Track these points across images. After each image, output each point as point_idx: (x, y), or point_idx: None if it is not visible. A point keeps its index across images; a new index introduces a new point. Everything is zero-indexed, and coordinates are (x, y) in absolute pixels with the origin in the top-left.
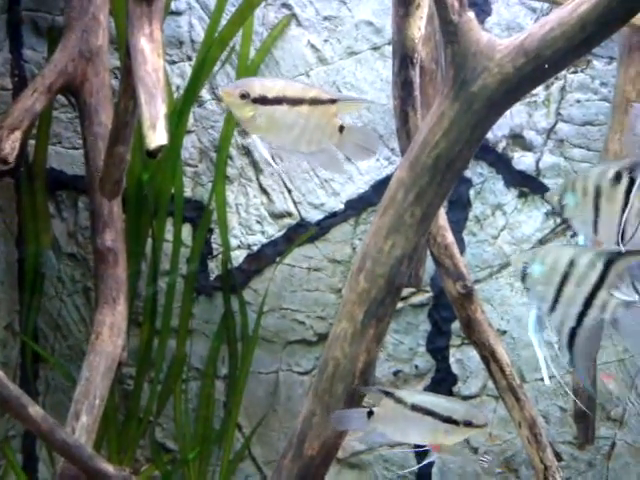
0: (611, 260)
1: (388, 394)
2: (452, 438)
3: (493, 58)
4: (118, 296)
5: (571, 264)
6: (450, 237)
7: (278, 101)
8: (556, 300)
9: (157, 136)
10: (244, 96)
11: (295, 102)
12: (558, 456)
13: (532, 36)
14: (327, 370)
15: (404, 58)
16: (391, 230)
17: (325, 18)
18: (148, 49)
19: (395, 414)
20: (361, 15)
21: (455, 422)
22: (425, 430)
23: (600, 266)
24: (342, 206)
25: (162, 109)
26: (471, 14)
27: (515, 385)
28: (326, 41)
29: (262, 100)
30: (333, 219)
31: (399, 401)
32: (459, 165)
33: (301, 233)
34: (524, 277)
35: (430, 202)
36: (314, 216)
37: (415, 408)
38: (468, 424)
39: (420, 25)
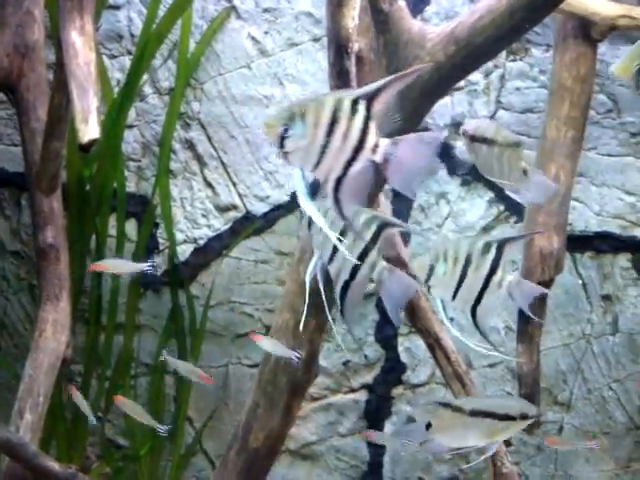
0: (383, 225)
1: (445, 405)
2: (509, 433)
3: (425, 47)
4: (61, 293)
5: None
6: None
7: None
8: (334, 252)
9: (89, 129)
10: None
11: (489, 142)
12: (507, 441)
13: (462, 24)
14: (270, 362)
15: (339, 48)
16: None
17: (265, 10)
18: (79, 42)
19: (454, 422)
20: (301, 6)
21: (512, 418)
22: (483, 432)
23: (374, 228)
24: (287, 198)
25: (94, 102)
26: (402, 3)
27: (461, 372)
28: (266, 33)
29: None
30: (279, 211)
31: (457, 410)
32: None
33: (247, 226)
34: (309, 226)
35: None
36: (260, 209)
37: (474, 413)
38: (524, 417)
39: (354, 15)
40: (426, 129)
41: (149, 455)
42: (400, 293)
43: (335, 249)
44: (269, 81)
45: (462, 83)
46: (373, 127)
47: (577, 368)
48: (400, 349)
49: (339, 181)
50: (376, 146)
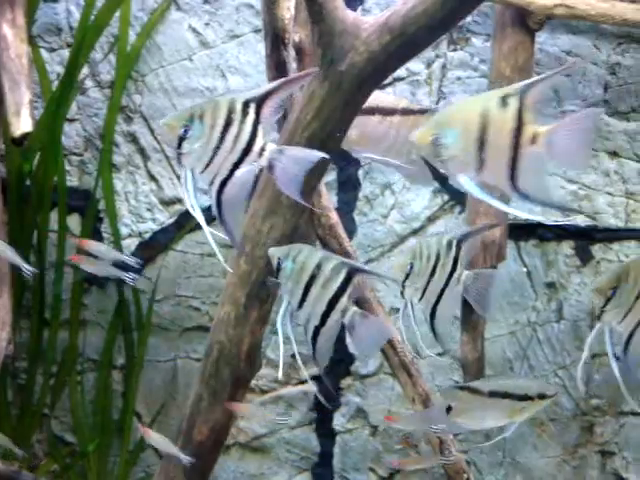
0: (352, 271)
1: (464, 388)
2: (527, 413)
3: (359, 36)
4: (1, 289)
5: (318, 267)
6: (335, 217)
7: (371, 111)
8: (303, 298)
9: (22, 123)
10: None
11: (387, 112)
12: None
13: (396, 13)
14: (212, 354)
15: (275, 39)
16: (268, 212)
17: (205, 1)
18: (10, 35)
19: (473, 405)
20: None
21: (530, 398)
22: (502, 412)
23: (343, 275)
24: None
25: (27, 96)
26: None
27: (407, 361)
28: (207, 25)
29: None
30: None
31: (476, 392)
32: (332, 144)
33: (192, 219)
34: (278, 271)
35: (306, 183)
36: (204, 201)
37: (493, 394)
38: (542, 397)
39: (289, 5)
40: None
41: (97, 451)
42: (372, 339)
43: (305, 295)
44: (211, 73)
45: (404, 73)
46: (261, 131)
47: (523, 355)
48: (348, 340)
49: (223, 184)
50: (262, 150)
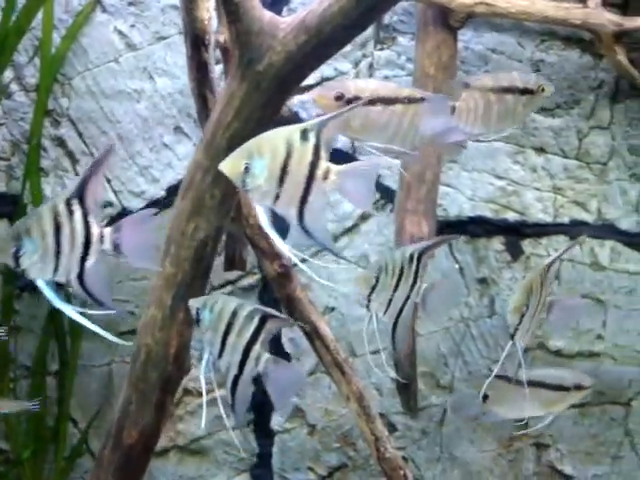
0: (265, 317)
1: (500, 377)
2: (564, 404)
3: (277, 36)
4: None
5: (234, 315)
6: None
7: (372, 101)
8: (222, 347)
9: None
10: (339, 98)
11: (389, 101)
12: (392, 426)
13: (312, 13)
14: (140, 357)
15: (196, 40)
16: (192, 213)
17: (130, 3)
18: None
19: (509, 393)
20: None
21: (566, 389)
22: (539, 402)
23: (256, 322)
24: (163, 193)
25: None
26: None
27: (340, 360)
28: (133, 26)
29: (357, 101)
30: (155, 205)
31: (508, 379)
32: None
33: None
34: (198, 322)
35: (229, 183)
36: (136, 204)
37: (529, 383)
38: (578, 387)
39: (208, 6)
40: (297, 118)
41: (32, 458)
42: (287, 385)
43: (224, 344)
44: (138, 75)
45: (332, 73)
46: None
47: (457, 351)
48: (284, 339)
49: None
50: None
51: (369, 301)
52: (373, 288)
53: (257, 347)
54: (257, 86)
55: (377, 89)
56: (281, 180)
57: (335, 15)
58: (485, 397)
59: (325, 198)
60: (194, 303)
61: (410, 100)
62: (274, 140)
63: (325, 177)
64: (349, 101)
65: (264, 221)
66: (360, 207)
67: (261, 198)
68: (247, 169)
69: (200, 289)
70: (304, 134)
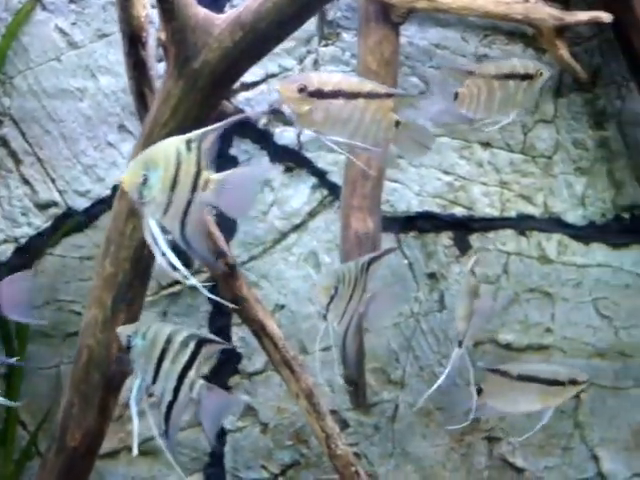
0: (201, 342)
1: (493, 370)
2: (559, 399)
3: (212, 33)
4: None
5: (168, 341)
6: (207, 215)
7: (334, 95)
8: (156, 373)
9: None
10: (302, 90)
11: (351, 96)
12: (344, 422)
13: (247, 9)
14: (81, 359)
15: (132, 38)
16: (130, 213)
17: (71, 1)
18: None
19: (503, 387)
20: None
21: (561, 383)
22: (533, 397)
23: (192, 347)
24: (109, 192)
25: None
26: None
27: (289, 357)
28: (74, 24)
29: (319, 94)
30: (101, 206)
31: (504, 374)
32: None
33: (69, 222)
34: (129, 349)
35: None
36: (81, 204)
37: (521, 378)
38: (573, 382)
39: (145, 3)
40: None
41: None
42: (218, 412)
43: (157, 370)
44: (81, 73)
45: (277, 70)
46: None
47: (408, 346)
48: (235, 339)
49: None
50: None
51: (327, 311)
52: (332, 298)
53: (192, 373)
54: (193, 84)
55: (340, 82)
56: (172, 192)
57: (270, 11)
58: (479, 391)
59: (203, 209)
60: (124, 330)
61: (372, 95)
62: (166, 151)
63: (204, 187)
64: (311, 94)
65: (156, 235)
66: (236, 215)
67: (155, 211)
68: (145, 181)
69: (140, 289)
70: (188, 145)
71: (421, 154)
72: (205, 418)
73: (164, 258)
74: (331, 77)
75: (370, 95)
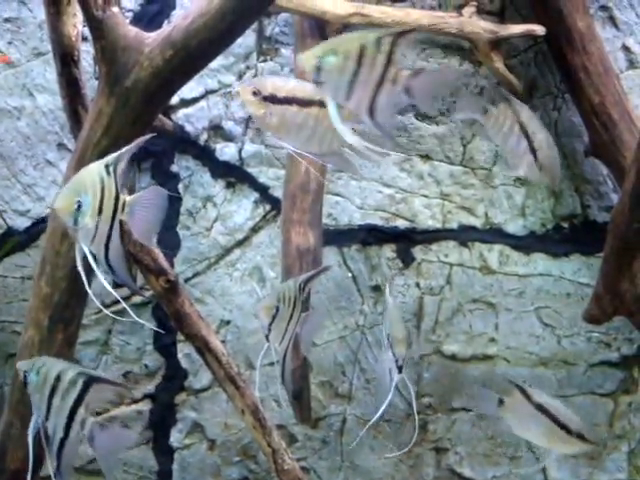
0: (90, 381)
1: (518, 387)
2: (565, 448)
3: (143, 52)
4: None
5: (58, 379)
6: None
7: (288, 101)
8: (48, 410)
9: None
10: (255, 93)
11: (304, 103)
12: (292, 437)
13: (178, 28)
14: (18, 380)
15: (64, 57)
16: (65, 232)
17: (6, 20)
18: None
19: (521, 409)
20: (43, 15)
21: (569, 431)
22: (543, 433)
23: (80, 386)
24: (49, 211)
25: None
26: (116, 9)
27: (233, 373)
28: (10, 43)
29: (272, 99)
30: (42, 225)
31: (526, 396)
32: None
33: (9, 242)
34: (25, 385)
35: None
36: (21, 223)
37: (539, 408)
38: (580, 436)
39: (75, 22)
40: (182, 131)
41: None
42: (114, 447)
43: (49, 407)
44: (18, 92)
45: (216, 86)
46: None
47: (354, 359)
48: (180, 356)
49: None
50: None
51: (269, 331)
52: (273, 318)
53: (82, 410)
54: (125, 102)
55: (294, 89)
56: (99, 217)
57: (200, 30)
58: (501, 401)
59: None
60: (22, 366)
61: (325, 104)
62: (92, 176)
63: (122, 210)
64: (265, 98)
65: (91, 260)
66: (143, 238)
67: (85, 237)
68: (79, 207)
69: (77, 309)
70: (107, 169)
71: (377, 161)
72: (100, 455)
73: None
74: (286, 83)
75: (323, 103)
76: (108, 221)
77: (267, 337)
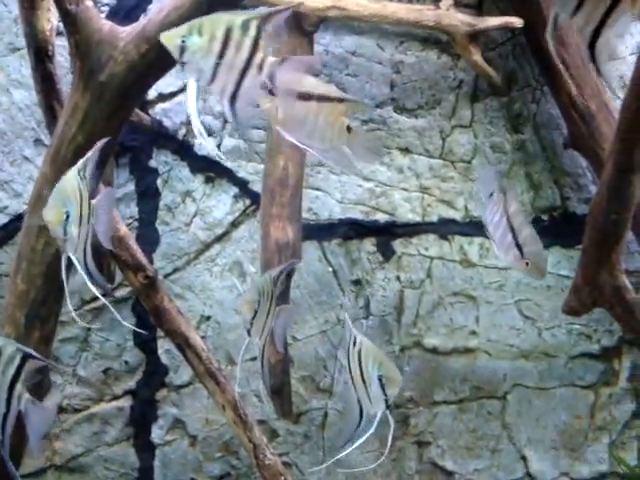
0: (26, 357)
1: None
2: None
3: (117, 46)
4: None
5: None
6: (124, 229)
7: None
8: None
9: None
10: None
11: (305, 97)
12: (274, 432)
13: (152, 21)
14: None
15: (39, 51)
16: (42, 229)
17: None
18: None
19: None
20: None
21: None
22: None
23: (17, 362)
24: (27, 207)
25: None
26: (90, 3)
27: (214, 369)
28: None
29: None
30: (19, 221)
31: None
32: (102, 156)
33: None
34: None
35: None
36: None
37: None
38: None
39: (49, 17)
40: (160, 126)
41: None
42: (41, 426)
43: None
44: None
45: None
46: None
47: (335, 354)
48: (160, 352)
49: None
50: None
51: (251, 325)
52: (255, 312)
53: (19, 386)
54: (100, 97)
55: (301, 82)
56: (80, 225)
57: (175, 23)
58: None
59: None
60: None
61: (324, 98)
62: (72, 184)
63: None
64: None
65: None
66: (104, 240)
67: (72, 245)
68: (67, 217)
69: (54, 306)
70: (80, 175)
71: (373, 161)
72: (30, 431)
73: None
74: (295, 76)
75: (321, 98)
76: (87, 228)
77: (249, 332)
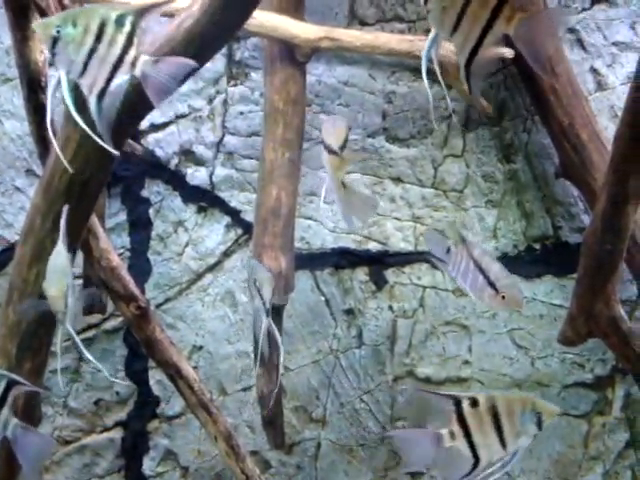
0: (11, 383)
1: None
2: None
3: None
4: None
5: None
6: (116, 259)
7: None
8: None
9: None
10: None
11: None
12: (267, 463)
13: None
14: None
15: (31, 83)
16: (34, 259)
17: None
18: None
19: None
20: (10, 41)
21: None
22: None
23: (2, 385)
24: (18, 237)
25: None
26: None
27: (206, 400)
28: None
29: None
30: (10, 252)
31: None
32: (95, 187)
33: None
34: None
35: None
36: None
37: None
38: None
39: (42, 48)
40: (153, 156)
41: None
42: (34, 451)
43: None
44: None
45: (187, 110)
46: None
47: (328, 383)
48: (152, 382)
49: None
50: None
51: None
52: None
53: (5, 411)
54: (93, 128)
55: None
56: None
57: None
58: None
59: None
60: None
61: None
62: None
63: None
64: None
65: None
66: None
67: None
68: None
69: (46, 337)
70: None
71: (366, 217)
72: (22, 459)
73: None
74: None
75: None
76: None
77: (267, 312)
